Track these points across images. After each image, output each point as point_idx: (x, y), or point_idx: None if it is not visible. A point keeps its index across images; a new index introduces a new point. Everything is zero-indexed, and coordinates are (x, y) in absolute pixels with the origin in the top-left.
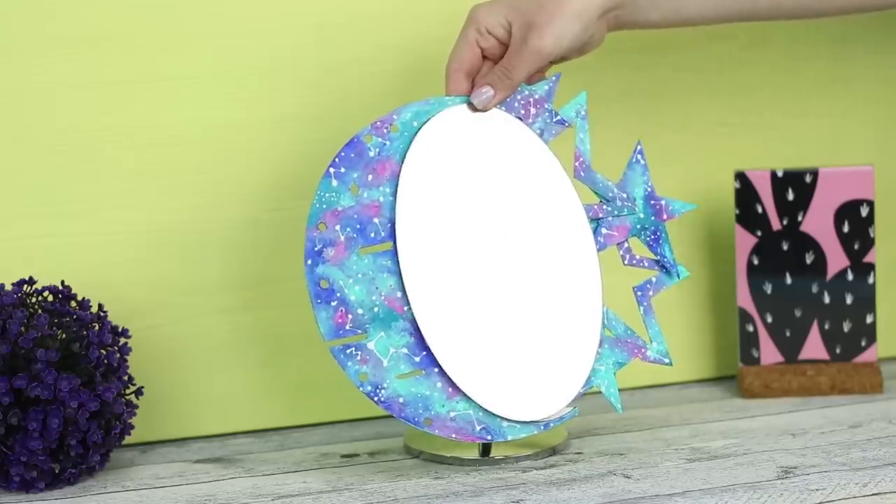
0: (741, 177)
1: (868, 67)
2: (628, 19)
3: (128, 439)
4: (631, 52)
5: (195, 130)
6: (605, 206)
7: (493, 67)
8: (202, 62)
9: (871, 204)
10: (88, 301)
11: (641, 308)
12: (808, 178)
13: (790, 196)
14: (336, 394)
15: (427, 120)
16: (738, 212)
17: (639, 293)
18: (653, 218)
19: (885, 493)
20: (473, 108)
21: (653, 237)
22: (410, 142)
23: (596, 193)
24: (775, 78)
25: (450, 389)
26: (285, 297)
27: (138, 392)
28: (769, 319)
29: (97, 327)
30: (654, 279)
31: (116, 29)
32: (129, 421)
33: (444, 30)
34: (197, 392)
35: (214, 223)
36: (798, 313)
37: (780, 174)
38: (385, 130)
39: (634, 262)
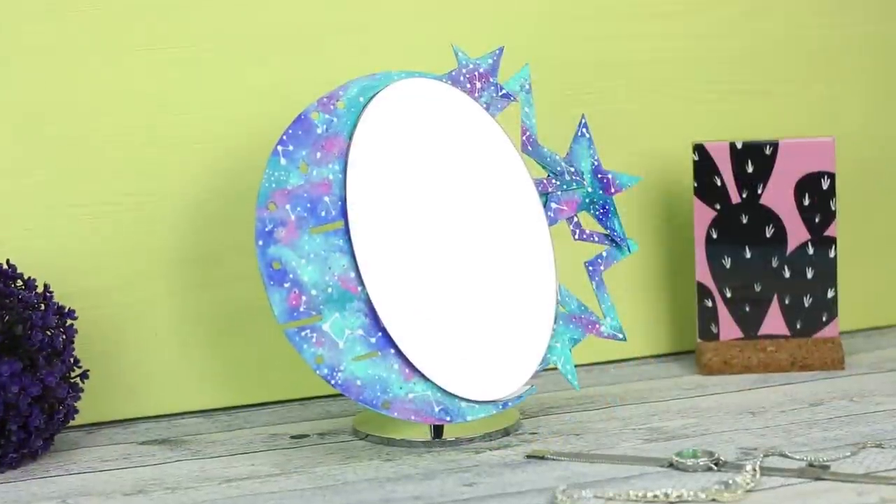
0: (699, 149)
1: (827, 37)
2: None
3: (73, 420)
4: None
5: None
6: (553, 181)
7: None
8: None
9: (832, 176)
10: (34, 281)
11: (593, 283)
12: (767, 150)
13: (750, 168)
14: (286, 373)
15: (374, 95)
16: (696, 184)
17: (590, 268)
18: (601, 192)
19: (845, 474)
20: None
21: (602, 211)
22: (358, 117)
23: (544, 168)
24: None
25: (407, 370)
26: (233, 274)
27: (83, 375)
28: (728, 294)
29: (42, 307)
30: (604, 254)
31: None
32: (74, 405)
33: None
34: (144, 372)
35: (162, 201)
36: (757, 288)
37: (739, 146)
38: (332, 106)
39: (584, 236)
